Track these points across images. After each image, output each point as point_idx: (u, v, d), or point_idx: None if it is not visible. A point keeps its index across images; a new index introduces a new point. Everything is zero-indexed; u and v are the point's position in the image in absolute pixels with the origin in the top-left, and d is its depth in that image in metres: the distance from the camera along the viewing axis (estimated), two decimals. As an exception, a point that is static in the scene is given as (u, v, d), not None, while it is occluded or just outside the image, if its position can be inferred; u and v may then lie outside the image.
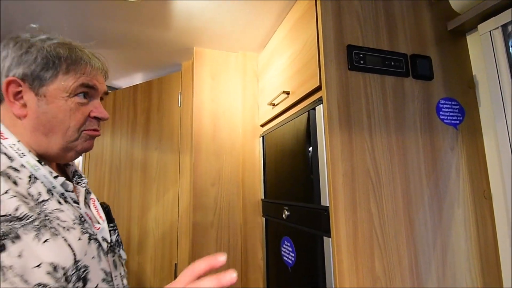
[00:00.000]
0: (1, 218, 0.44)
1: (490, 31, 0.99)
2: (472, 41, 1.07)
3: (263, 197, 1.38)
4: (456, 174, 0.97)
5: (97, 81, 0.61)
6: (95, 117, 0.61)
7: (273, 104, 1.23)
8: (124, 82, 1.88)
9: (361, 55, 0.92)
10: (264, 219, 1.37)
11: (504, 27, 0.96)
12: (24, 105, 0.55)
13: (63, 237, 0.50)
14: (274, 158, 1.27)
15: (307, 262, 0.97)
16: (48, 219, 0.50)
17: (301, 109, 1.03)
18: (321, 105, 0.89)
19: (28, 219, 0.46)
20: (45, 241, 0.47)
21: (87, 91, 0.59)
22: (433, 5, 1.07)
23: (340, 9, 0.93)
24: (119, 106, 1.70)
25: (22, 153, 0.54)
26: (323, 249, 0.85)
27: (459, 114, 1.01)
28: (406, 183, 0.91)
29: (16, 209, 0.46)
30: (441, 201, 0.94)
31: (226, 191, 1.38)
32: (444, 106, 1.00)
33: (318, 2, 0.92)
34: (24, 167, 0.53)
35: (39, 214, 0.49)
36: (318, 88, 0.91)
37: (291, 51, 1.11)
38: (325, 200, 0.85)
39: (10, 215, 0.45)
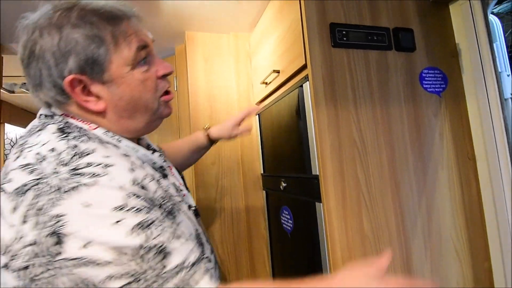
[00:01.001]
0: (162, 200, 0.48)
1: (469, 0, 1.04)
2: (455, 10, 1.12)
3: (262, 172, 1.48)
4: (439, 139, 1.06)
5: (144, 36, 0.54)
6: (162, 76, 0.57)
7: (266, 83, 1.31)
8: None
9: (344, 32, 0.98)
10: (264, 192, 1.48)
11: (483, -6, 1.01)
12: (98, 98, 0.50)
13: (183, 211, 0.54)
14: (270, 134, 1.36)
15: (303, 227, 1.08)
16: (171, 196, 0.53)
17: (291, 86, 1.10)
18: (308, 82, 0.96)
19: (164, 200, 0.50)
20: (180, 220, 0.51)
21: (144, 54, 0.53)
22: (416, -24, 1.11)
23: (322, -12, 0.98)
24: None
25: (118, 139, 0.53)
26: (316, 214, 0.96)
27: (442, 82, 1.08)
28: (391, 150, 0.99)
29: (155, 192, 0.49)
30: (425, 164, 1.03)
31: (227, 169, 1.49)
32: (427, 75, 1.07)
33: (300, -17, 0.97)
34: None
35: (165, 192, 0.52)
36: (305, 66, 0.98)
37: (279, 32, 1.17)
38: (315, 170, 0.95)
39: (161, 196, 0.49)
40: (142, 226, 0.41)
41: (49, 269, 0.38)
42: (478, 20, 1.02)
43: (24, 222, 0.39)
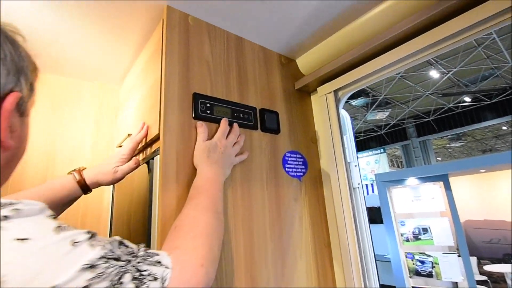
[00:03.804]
0: None
1: (325, 94, 1.09)
2: (315, 101, 1.17)
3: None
4: (299, 225, 0.98)
5: None
6: None
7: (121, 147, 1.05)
8: None
9: (208, 105, 0.85)
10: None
11: (335, 92, 1.07)
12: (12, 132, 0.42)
13: None
14: (122, 209, 1.06)
15: None
16: None
17: (145, 157, 0.88)
18: (158, 156, 0.76)
19: None
20: None
21: None
22: (284, 65, 1.13)
23: (188, 55, 0.86)
24: None
25: None
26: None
27: (303, 167, 1.05)
28: (250, 237, 0.84)
29: None
30: (284, 253, 0.91)
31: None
32: (290, 159, 1.02)
33: (164, 44, 0.83)
34: None
35: None
36: (158, 137, 0.79)
37: (142, 91, 0.98)
38: (154, 269, 0.70)
39: None
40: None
41: None
42: (331, 114, 1.06)
43: None
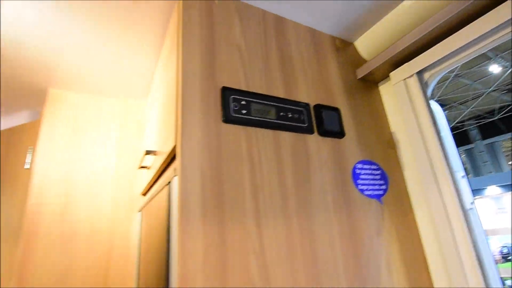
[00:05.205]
0: None
1: (404, 80, 0.77)
2: (386, 91, 0.85)
3: (135, 303, 0.89)
4: (388, 274, 0.64)
5: None
6: None
7: (143, 167, 0.84)
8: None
9: (243, 102, 0.60)
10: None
11: (419, 74, 0.75)
12: None
13: None
14: (148, 241, 0.83)
15: None
16: None
17: (164, 180, 0.65)
18: (176, 178, 0.51)
19: None
20: None
21: None
22: (339, 49, 0.84)
23: (214, 40, 0.63)
24: None
25: None
26: None
27: (382, 182, 0.73)
28: (317, 297, 0.54)
29: None
30: (371, 317, 0.58)
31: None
32: (363, 171, 0.70)
33: (180, 28, 0.60)
34: None
35: None
36: (174, 153, 0.55)
37: (161, 98, 0.76)
38: None
39: None
40: None
41: None
42: (418, 105, 0.73)
43: None
